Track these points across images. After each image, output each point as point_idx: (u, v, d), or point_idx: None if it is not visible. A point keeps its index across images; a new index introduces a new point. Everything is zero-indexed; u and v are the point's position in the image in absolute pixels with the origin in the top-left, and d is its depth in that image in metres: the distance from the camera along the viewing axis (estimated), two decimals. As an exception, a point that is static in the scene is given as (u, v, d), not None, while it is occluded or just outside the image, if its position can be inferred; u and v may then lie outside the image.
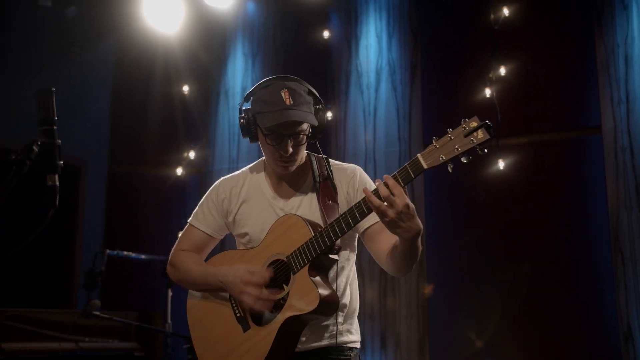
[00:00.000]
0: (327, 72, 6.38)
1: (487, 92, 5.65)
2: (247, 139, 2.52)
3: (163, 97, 6.75)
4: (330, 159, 2.58)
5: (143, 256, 5.38)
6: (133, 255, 5.21)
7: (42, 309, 4.82)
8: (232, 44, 6.83)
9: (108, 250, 4.49)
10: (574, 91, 5.55)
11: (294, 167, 2.46)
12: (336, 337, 2.43)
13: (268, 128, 2.34)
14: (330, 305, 2.28)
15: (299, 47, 6.64)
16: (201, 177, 6.65)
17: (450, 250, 5.75)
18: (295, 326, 2.31)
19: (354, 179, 2.50)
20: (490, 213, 5.66)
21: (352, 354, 2.48)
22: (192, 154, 6.61)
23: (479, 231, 5.66)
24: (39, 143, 1.65)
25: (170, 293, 4.99)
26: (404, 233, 2.12)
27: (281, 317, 2.28)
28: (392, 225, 2.10)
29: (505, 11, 5.68)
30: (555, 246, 5.40)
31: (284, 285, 2.32)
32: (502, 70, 5.65)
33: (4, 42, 6.04)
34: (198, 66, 6.81)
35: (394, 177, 2.10)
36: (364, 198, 2.16)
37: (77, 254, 6.29)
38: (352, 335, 2.51)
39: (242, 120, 2.46)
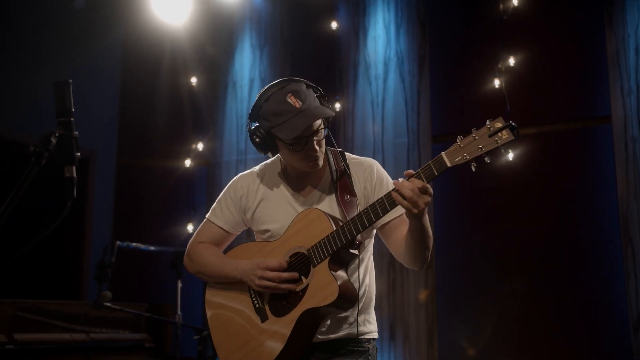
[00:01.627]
0: (335, 64, 6.37)
1: (496, 82, 5.63)
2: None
3: (171, 88, 6.76)
4: (346, 152, 2.58)
5: (152, 247, 5.39)
6: (143, 246, 5.22)
7: (54, 300, 4.84)
8: (239, 35, 6.83)
9: (118, 242, 4.50)
10: (583, 81, 5.53)
11: (322, 160, 2.45)
12: (356, 328, 2.44)
13: (289, 135, 2.31)
14: (349, 299, 2.30)
15: (306, 38, 6.64)
16: (209, 169, 6.66)
17: (459, 240, 5.75)
18: (313, 318, 2.32)
19: (371, 173, 2.50)
20: (499, 204, 5.64)
21: (369, 346, 2.49)
22: (200, 146, 6.63)
23: (488, 221, 5.66)
24: (57, 135, 1.64)
25: (180, 284, 5.01)
26: (419, 219, 2.20)
27: (299, 308, 2.30)
28: (413, 216, 2.17)
29: (514, 1, 5.65)
30: (564, 237, 5.38)
31: (303, 277, 2.34)
32: (512, 61, 5.63)
33: (12, 34, 6.06)
34: (206, 58, 6.82)
35: (418, 175, 2.12)
36: (387, 194, 2.18)
37: (86, 245, 6.32)
38: (371, 325, 2.53)
39: (257, 140, 2.42)
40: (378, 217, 2.22)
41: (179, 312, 4.89)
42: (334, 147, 2.56)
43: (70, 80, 1.56)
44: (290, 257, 2.39)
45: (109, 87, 6.83)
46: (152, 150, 6.80)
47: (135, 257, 5.82)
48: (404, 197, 2.10)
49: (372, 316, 2.55)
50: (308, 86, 2.46)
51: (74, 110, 1.58)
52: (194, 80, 6.73)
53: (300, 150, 2.36)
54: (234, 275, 2.46)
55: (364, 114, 6.17)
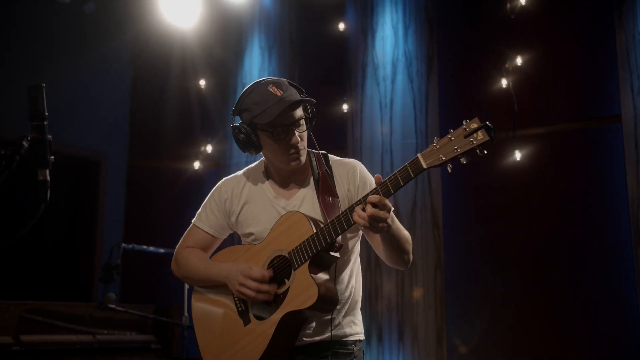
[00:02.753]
0: (343, 64, 6.36)
1: (504, 82, 5.59)
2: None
3: (180, 91, 6.80)
4: (329, 155, 2.58)
5: (162, 250, 5.42)
6: (151, 248, 5.25)
7: (61, 301, 4.89)
8: (248, 37, 6.84)
9: (124, 244, 4.53)
10: (593, 80, 5.46)
11: (305, 158, 2.47)
12: (341, 330, 2.45)
13: (271, 121, 2.33)
14: (330, 302, 2.30)
15: (315, 39, 6.64)
16: (219, 171, 6.69)
17: (467, 242, 5.71)
18: (294, 321, 2.32)
19: (354, 175, 2.50)
20: (508, 205, 5.60)
21: (355, 348, 2.49)
22: (209, 148, 6.65)
23: (497, 223, 5.61)
24: (29, 138, 1.65)
25: (187, 286, 5.03)
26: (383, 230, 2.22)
27: (280, 312, 2.30)
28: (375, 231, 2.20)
29: (522, 0, 5.61)
30: (574, 238, 5.33)
31: (286, 280, 2.34)
32: (519, 60, 5.59)
33: (24, 36, 6.11)
34: (215, 60, 6.85)
35: (394, 177, 2.11)
36: (365, 195, 2.17)
37: (97, 247, 6.37)
38: (357, 327, 2.52)
39: (241, 135, 2.43)
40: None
41: (186, 314, 4.91)
42: (317, 149, 2.55)
43: (44, 84, 1.57)
44: (272, 260, 2.39)
45: (119, 90, 6.89)
46: (162, 152, 6.85)
47: (144, 259, 5.85)
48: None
49: (358, 318, 2.55)
50: (292, 85, 2.48)
51: (47, 114, 1.58)
52: (202, 82, 6.76)
53: (281, 140, 2.37)
54: (218, 278, 2.47)
55: (372, 114, 6.15)
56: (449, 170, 2.06)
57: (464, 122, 2.02)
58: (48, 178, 1.58)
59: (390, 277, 5.78)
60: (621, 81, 5.23)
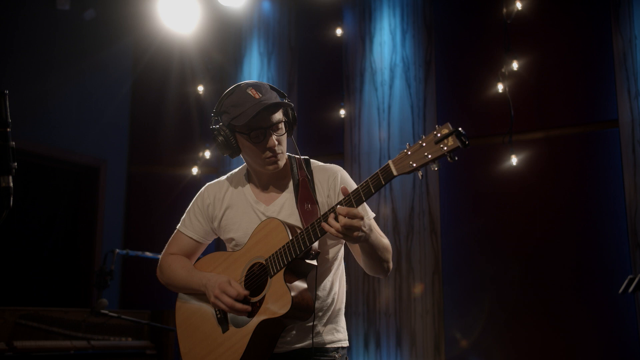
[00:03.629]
0: (341, 70, 6.37)
1: (500, 87, 5.58)
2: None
3: (180, 97, 6.82)
4: (312, 160, 2.57)
5: (159, 255, 5.41)
6: (147, 254, 5.25)
7: (56, 307, 4.90)
8: (247, 43, 6.87)
9: (118, 250, 4.54)
10: (590, 84, 5.44)
11: (283, 162, 2.47)
12: (321, 337, 2.45)
13: (247, 123, 2.34)
14: (304, 309, 2.29)
15: (313, 45, 6.65)
16: (217, 177, 6.65)
17: (464, 249, 5.69)
18: (270, 329, 2.32)
19: (334, 180, 2.49)
20: (506, 210, 5.58)
21: (337, 355, 2.48)
22: (207, 154, 6.67)
23: (493, 229, 5.59)
24: (-8, 145, 1.65)
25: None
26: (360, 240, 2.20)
27: (256, 320, 2.30)
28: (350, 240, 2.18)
29: (518, 5, 5.60)
30: (571, 243, 5.30)
31: (263, 288, 2.34)
32: (515, 65, 5.58)
33: (23, 43, 6.15)
34: (214, 66, 6.87)
35: (366, 185, 2.10)
36: (340, 201, 2.17)
37: (96, 253, 6.38)
38: (339, 334, 2.52)
39: (220, 138, 2.44)
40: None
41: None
42: (298, 154, 2.55)
43: (7, 91, 1.58)
44: (251, 267, 2.39)
45: (119, 96, 6.90)
46: (161, 158, 6.86)
47: (142, 265, 5.86)
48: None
49: (341, 325, 2.54)
50: (273, 88, 2.48)
51: (10, 121, 1.59)
52: (201, 88, 6.78)
53: (258, 143, 2.37)
54: (198, 287, 2.48)
55: (370, 120, 6.16)
56: (420, 177, 2.04)
57: (436, 127, 2.01)
58: (11, 185, 1.58)
59: (388, 282, 5.77)
60: (618, 85, 5.21)
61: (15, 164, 1.61)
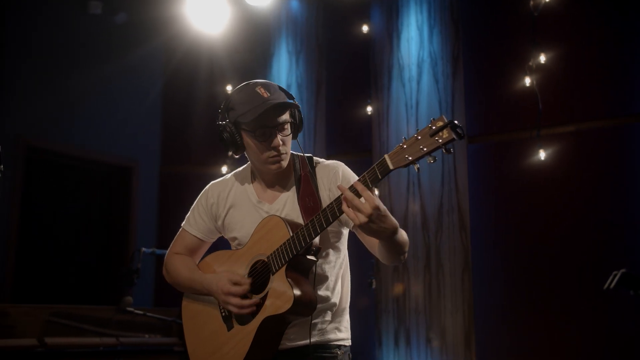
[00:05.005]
0: (369, 67, 6.35)
1: (530, 80, 5.50)
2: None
3: (209, 97, 6.89)
4: (315, 157, 2.57)
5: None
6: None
7: (86, 305, 5.01)
8: (276, 42, 6.90)
9: (144, 249, 4.61)
10: (620, 76, 5.32)
11: (286, 162, 2.46)
12: (325, 335, 2.45)
13: (253, 121, 2.34)
14: (307, 305, 2.28)
15: (341, 42, 6.65)
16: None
17: (494, 245, 5.63)
18: (274, 325, 2.32)
19: (335, 175, 2.48)
20: (534, 205, 5.50)
21: (339, 352, 2.47)
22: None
23: (523, 224, 5.52)
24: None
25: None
26: (379, 234, 2.14)
27: (260, 317, 2.31)
28: (365, 228, 2.10)
29: (545, -4, 5.52)
30: (601, 239, 5.19)
31: (266, 285, 2.35)
32: (543, 58, 5.49)
33: (56, 47, 6.30)
34: (242, 65, 6.91)
35: (363, 179, 2.09)
36: (337, 198, 2.15)
37: (130, 252, 6.48)
38: (341, 333, 2.51)
39: (225, 134, 2.44)
40: (329, 223, 2.20)
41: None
42: (302, 153, 2.55)
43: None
44: (254, 264, 2.40)
45: (151, 97, 7.02)
46: (191, 157, 6.95)
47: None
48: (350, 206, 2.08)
49: (344, 324, 2.53)
50: (281, 89, 2.48)
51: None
52: (230, 88, 6.84)
53: (263, 142, 2.37)
54: (201, 291, 2.51)
55: (398, 116, 6.12)
56: (417, 170, 2.02)
57: (431, 120, 1.99)
58: (-2, 186, 1.62)
59: (417, 279, 5.73)
60: (649, 77, 5.09)
61: (2, 166, 1.65)
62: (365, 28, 6.39)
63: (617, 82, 5.33)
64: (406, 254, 2.37)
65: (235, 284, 2.37)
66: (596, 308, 5.13)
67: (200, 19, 6.45)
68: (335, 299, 2.48)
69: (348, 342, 2.53)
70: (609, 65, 5.38)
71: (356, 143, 6.39)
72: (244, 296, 2.36)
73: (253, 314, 2.34)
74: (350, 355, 2.54)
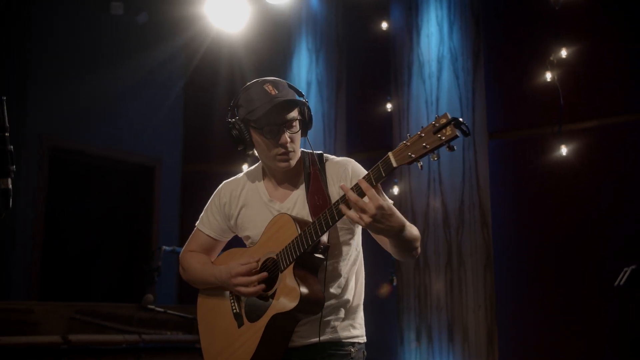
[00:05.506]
0: (389, 64, 6.33)
1: (549, 75, 5.45)
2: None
3: (230, 95, 6.92)
4: (325, 154, 2.56)
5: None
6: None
7: (109, 302, 5.07)
8: (296, 40, 6.91)
9: (165, 247, 4.66)
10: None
11: (295, 160, 2.46)
12: (337, 333, 2.45)
13: (261, 118, 2.35)
14: (314, 303, 2.29)
15: (360, 39, 6.64)
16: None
17: (516, 241, 5.59)
18: (283, 323, 2.33)
19: (345, 172, 2.47)
20: (556, 202, 5.44)
21: (352, 349, 2.46)
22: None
23: (544, 220, 5.47)
24: (-9, 150, 1.73)
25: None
26: (385, 233, 2.15)
27: (268, 314, 2.33)
28: (370, 228, 2.12)
29: (566, -9, 5.45)
30: (624, 235, 5.12)
31: (275, 282, 2.36)
32: (564, 52, 5.43)
33: (80, 46, 6.38)
34: (263, 64, 6.93)
35: (367, 178, 2.09)
36: (342, 196, 2.15)
37: (153, 250, 6.55)
38: (355, 330, 2.50)
39: (234, 131, 2.45)
40: (334, 221, 2.20)
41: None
42: (312, 150, 2.55)
43: (5, 97, 1.65)
44: (265, 262, 2.41)
45: (172, 96, 7.08)
46: (213, 156, 6.99)
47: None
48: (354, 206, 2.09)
49: (359, 321, 2.53)
50: (290, 86, 2.48)
51: (7, 126, 1.66)
52: (250, 86, 6.85)
53: (271, 139, 2.38)
54: (212, 282, 2.53)
55: (419, 113, 6.10)
56: (420, 168, 2.02)
57: (435, 117, 1.98)
58: (10, 187, 1.65)
59: (439, 276, 5.71)
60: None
61: (14, 166, 1.68)
62: (384, 25, 6.38)
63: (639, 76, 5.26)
64: (418, 249, 2.36)
65: (242, 264, 2.39)
66: (621, 305, 5.06)
67: (220, 18, 6.49)
68: (348, 296, 2.48)
69: (363, 340, 2.52)
70: (631, 59, 5.30)
71: (377, 140, 6.38)
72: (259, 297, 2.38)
73: (262, 312, 2.35)
74: (365, 353, 2.53)
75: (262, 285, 2.35)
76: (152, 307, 4.28)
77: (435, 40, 6.12)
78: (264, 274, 2.36)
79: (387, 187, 6.02)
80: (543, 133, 5.52)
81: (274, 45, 6.97)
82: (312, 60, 6.80)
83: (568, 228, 5.36)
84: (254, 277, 2.36)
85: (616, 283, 3.64)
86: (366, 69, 6.62)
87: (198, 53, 6.98)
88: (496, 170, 5.69)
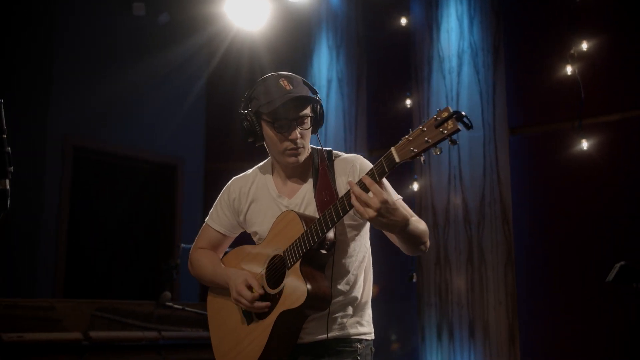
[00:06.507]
0: (409, 60, 6.30)
1: (572, 69, 5.38)
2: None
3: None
4: (335, 151, 2.57)
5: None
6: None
7: (130, 300, 5.14)
8: (316, 37, 6.92)
9: (183, 245, 4.70)
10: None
11: (304, 157, 2.47)
12: (346, 330, 2.45)
13: (273, 112, 2.37)
14: (322, 299, 2.29)
15: (380, 35, 6.63)
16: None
17: (537, 237, 5.53)
18: (291, 320, 2.34)
19: (353, 168, 2.48)
20: (578, 197, 5.37)
21: (360, 346, 2.47)
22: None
23: (565, 215, 5.40)
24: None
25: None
26: (390, 227, 2.15)
27: (276, 311, 2.34)
28: (375, 222, 2.12)
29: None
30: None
31: (282, 279, 2.37)
32: (585, 46, 5.35)
33: (102, 46, 6.47)
34: (283, 61, 6.95)
35: (371, 174, 2.09)
36: (347, 192, 2.16)
37: (175, 249, 6.62)
38: (363, 327, 2.50)
39: (245, 123, 2.48)
40: (339, 218, 2.20)
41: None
42: (321, 147, 2.55)
43: (2, 100, 1.68)
44: (272, 259, 2.43)
45: (194, 95, 7.13)
46: (235, 154, 7.02)
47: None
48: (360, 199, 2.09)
49: (366, 318, 2.53)
50: (305, 83, 2.50)
51: (5, 128, 1.69)
52: (270, 84, 6.88)
53: (282, 134, 2.39)
54: (222, 283, 2.55)
55: (439, 108, 6.05)
56: (422, 163, 2.02)
57: (437, 111, 1.98)
58: (8, 187, 1.68)
59: (459, 273, 5.68)
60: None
61: (12, 167, 1.71)
62: (404, 20, 6.36)
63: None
64: (427, 244, 2.36)
65: (249, 287, 2.41)
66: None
67: (240, 17, 6.52)
68: (356, 293, 2.48)
69: (370, 337, 2.52)
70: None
71: (397, 136, 6.32)
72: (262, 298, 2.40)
73: (270, 309, 2.36)
74: (373, 349, 2.53)
75: (265, 309, 2.38)
76: (170, 304, 4.32)
77: (455, 35, 6.08)
78: (266, 304, 2.38)
79: (406, 183, 6.00)
80: (564, 128, 5.45)
81: (294, 42, 6.99)
82: (332, 57, 6.80)
83: (590, 223, 5.29)
84: (257, 305, 2.38)
85: (607, 279, 3.59)
86: (386, 65, 6.60)
87: (219, 52, 7.03)
88: (517, 165, 5.63)
